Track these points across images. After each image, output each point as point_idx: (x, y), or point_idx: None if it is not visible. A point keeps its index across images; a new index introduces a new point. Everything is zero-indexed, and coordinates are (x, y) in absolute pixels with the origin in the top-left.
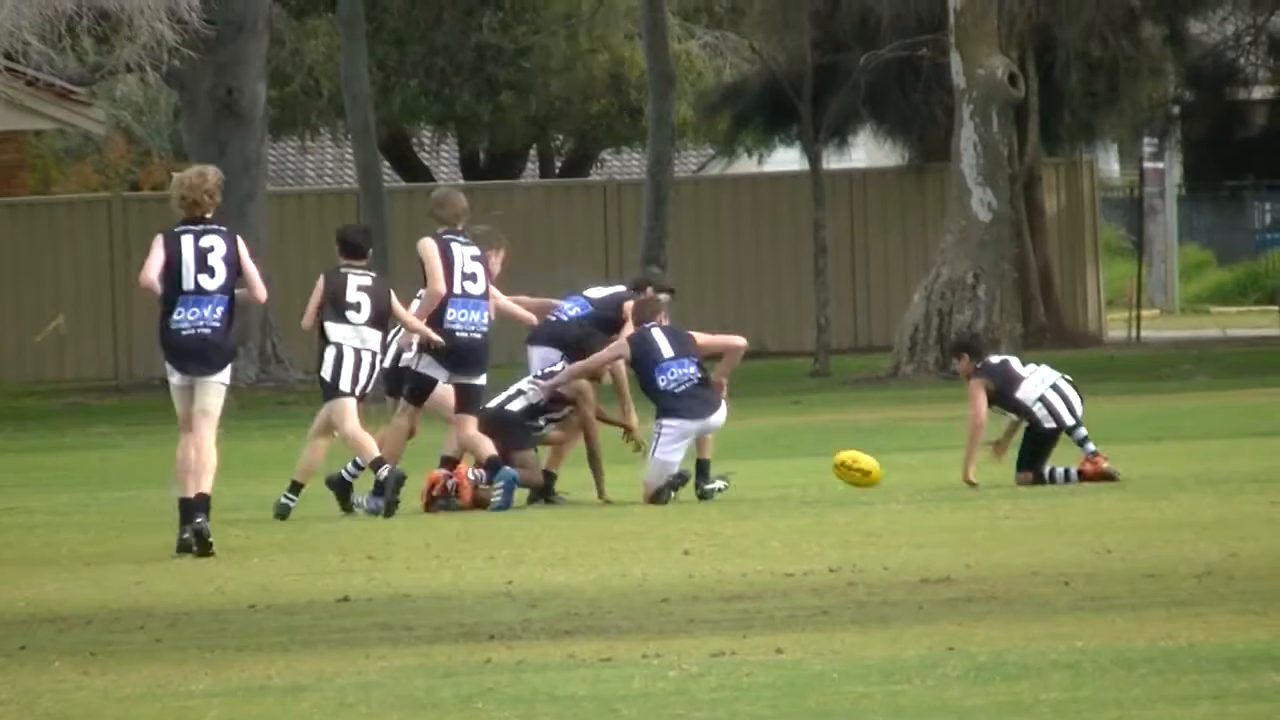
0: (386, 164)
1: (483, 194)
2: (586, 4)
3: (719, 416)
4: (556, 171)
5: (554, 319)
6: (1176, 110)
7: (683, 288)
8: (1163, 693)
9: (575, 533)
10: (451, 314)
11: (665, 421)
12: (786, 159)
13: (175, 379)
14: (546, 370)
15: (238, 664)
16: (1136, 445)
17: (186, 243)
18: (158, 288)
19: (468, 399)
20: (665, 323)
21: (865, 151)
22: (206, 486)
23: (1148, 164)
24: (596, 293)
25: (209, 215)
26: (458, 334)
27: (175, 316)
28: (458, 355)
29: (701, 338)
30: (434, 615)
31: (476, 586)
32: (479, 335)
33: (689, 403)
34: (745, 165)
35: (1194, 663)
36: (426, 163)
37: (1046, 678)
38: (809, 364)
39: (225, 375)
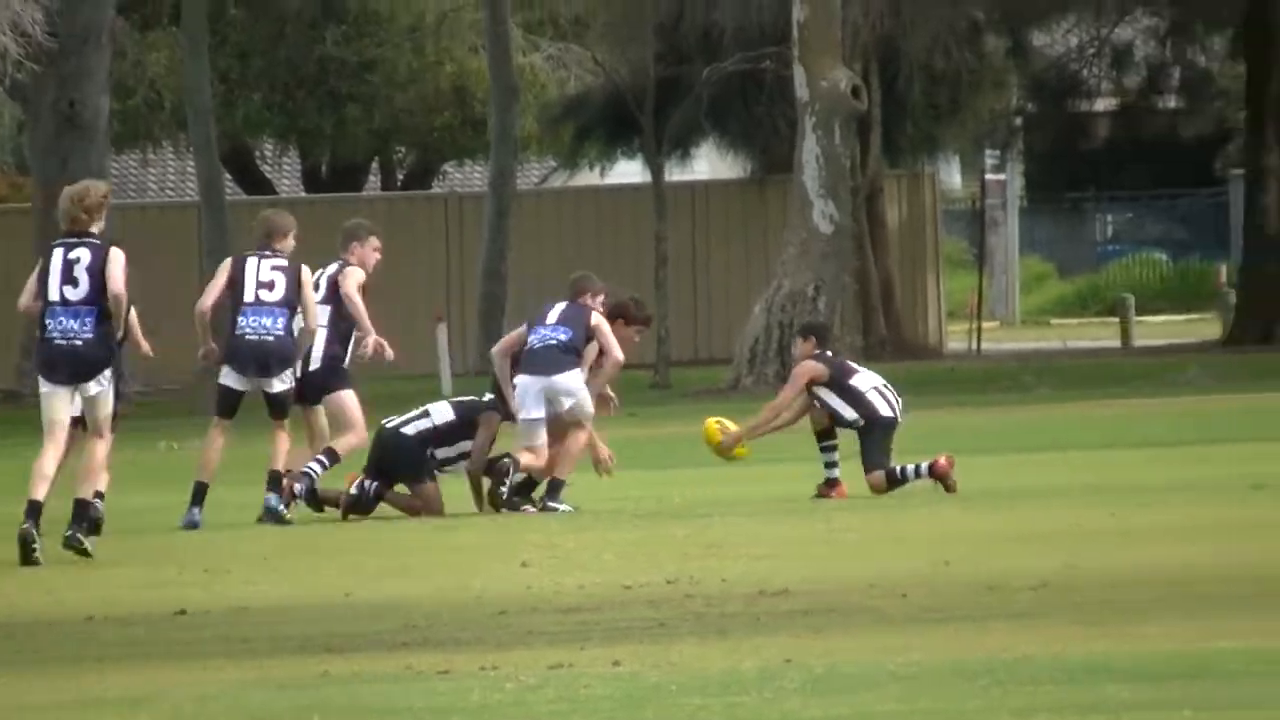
0: (229, 176)
1: (325, 207)
2: (431, 16)
3: (565, 379)
4: (399, 184)
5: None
6: (1019, 122)
7: (524, 300)
8: (1001, 704)
9: (414, 544)
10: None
11: (516, 379)
12: (629, 171)
13: (45, 388)
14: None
15: (74, 676)
16: (976, 457)
17: (56, 255)
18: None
19: (268, 405)
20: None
21: (707, 163)
22: (81, 492)
23: (989, 176)
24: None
25: (91, 230)
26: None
27: (47, 327)
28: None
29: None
30: (271, 627)
31: (314, 598)
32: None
33: (534, 360)
34: (587, 177)
35: (1031, 674)
36: (269, 175)
37: (884, 689)
38: (649, 376)
39: (99, 383)
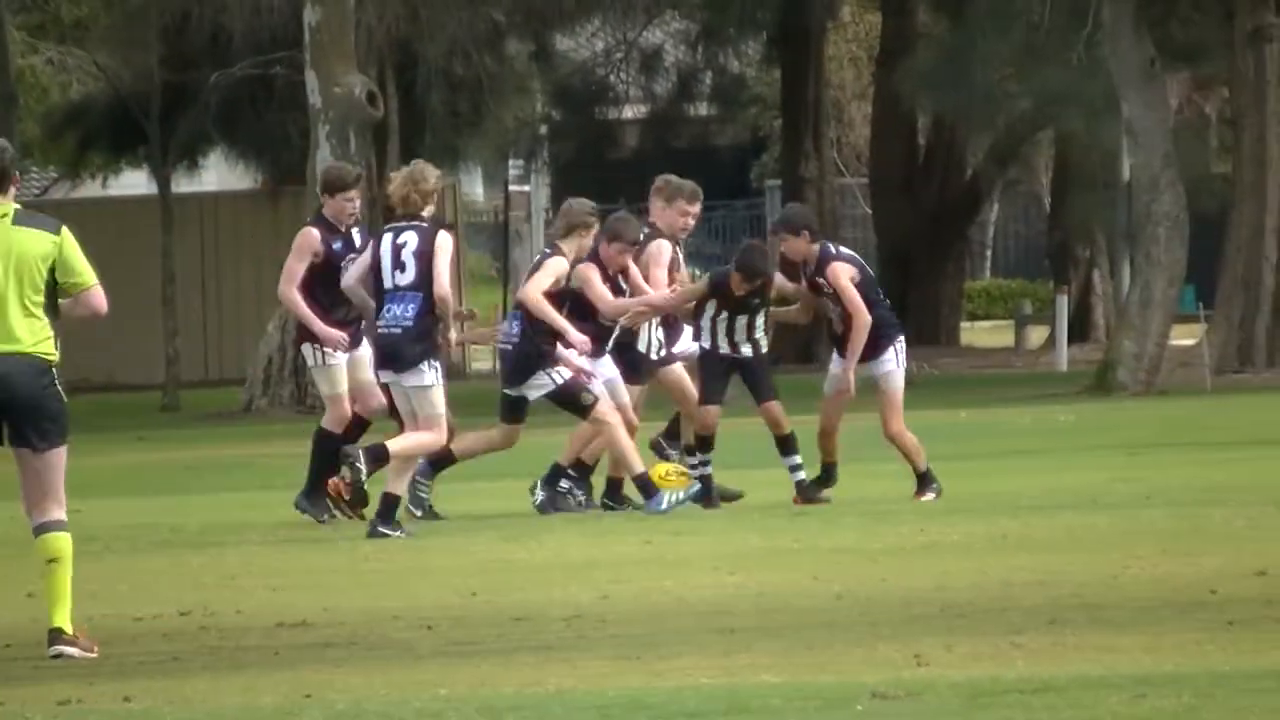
0: None
1: None
2: None
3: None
4: None
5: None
6: (544, 130)
7: None
8: None
9: None
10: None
11: None
12: (135, 182)
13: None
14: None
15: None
16: (503, 482)
17: (386, 239)
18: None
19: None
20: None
21: (217, 174)
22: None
23: (514, 187)
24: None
25: (419, 213)
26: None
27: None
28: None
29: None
30: None
31: None
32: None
33: None
34: (91, 189)
35: (564, 711)
36: None
37: None
38: (159, 398)
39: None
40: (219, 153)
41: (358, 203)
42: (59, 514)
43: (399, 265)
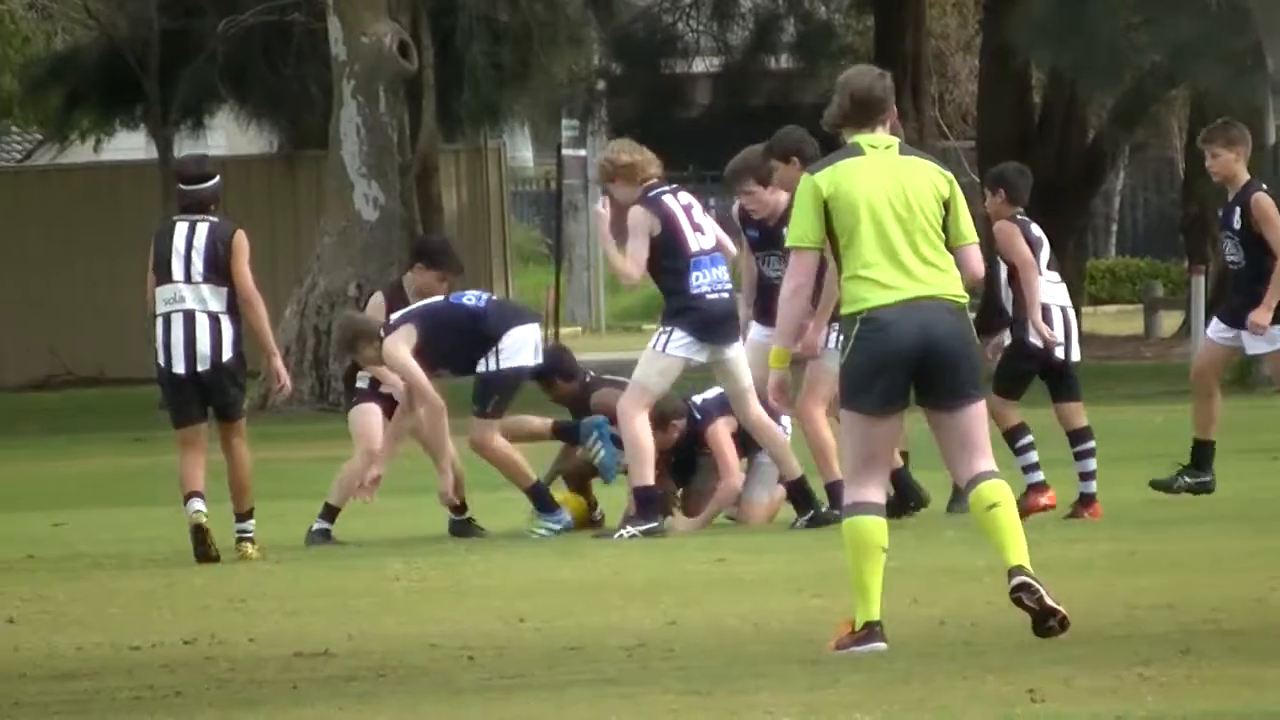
0: None
1: None
2: None
3: None
4: None
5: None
6: (601, 86)
7: (4, 300)
8: None
9: None
10: None
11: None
12: (131, 145)
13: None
14: None
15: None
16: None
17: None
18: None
19: None
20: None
21: (225, 136)
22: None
23: (568, 151)
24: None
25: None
26: None
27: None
28: None
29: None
30: None
31: None
32: None
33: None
34: (81, 152)
35: None
36: None
37: None
38: (157, 393)
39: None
40: (227, 112)
41: None
42: (985, 466)
43: None
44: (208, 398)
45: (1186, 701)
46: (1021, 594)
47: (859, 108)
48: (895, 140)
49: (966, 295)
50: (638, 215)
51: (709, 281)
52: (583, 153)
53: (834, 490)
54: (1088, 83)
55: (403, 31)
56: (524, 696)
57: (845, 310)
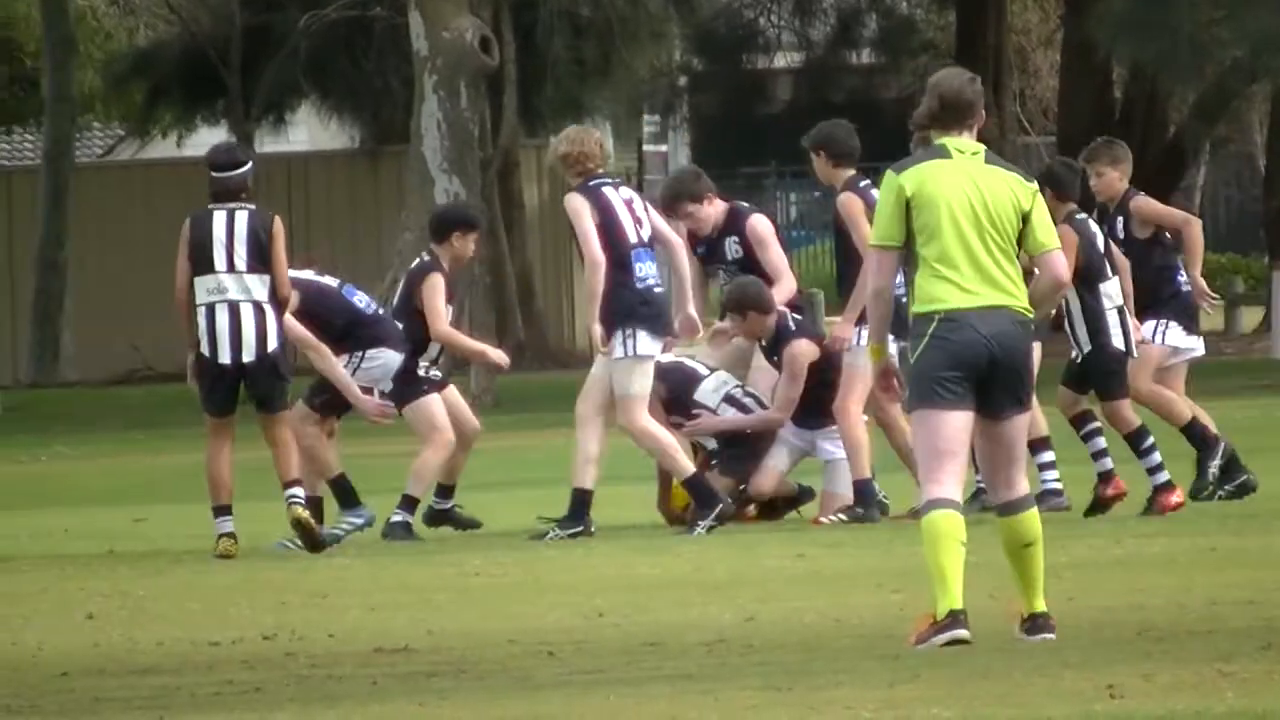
0: None
1: None
2: None
3: None
4: None
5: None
6: (683, 82)
7: (87, 295)
8: None
9: None
10: None
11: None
12: (212, 140)
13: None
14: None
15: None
16: (629, 486)
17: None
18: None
19: None
20: None
21: (307, 131)
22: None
23: (649, 147)
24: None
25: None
26: None
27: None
28: None
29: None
30: None
31: None
32: None
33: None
34: (163, 148)
35: None
36: None
37: None
38: None
39: None
40: (309, 107)
41: None
42: (1024, 488)
43: None
44: (251, 389)
45: (1268, 697)
46: (1047, 638)
47: (948, 110)
48: (982, 147)
49: (1032, 309)
50: (574, 202)
51: (652, 275)
52: (664, 148)
53: (861, 489)
54: (1169, 78)
55: (484, 26)
56: (603, 692)
57: (920, 308)
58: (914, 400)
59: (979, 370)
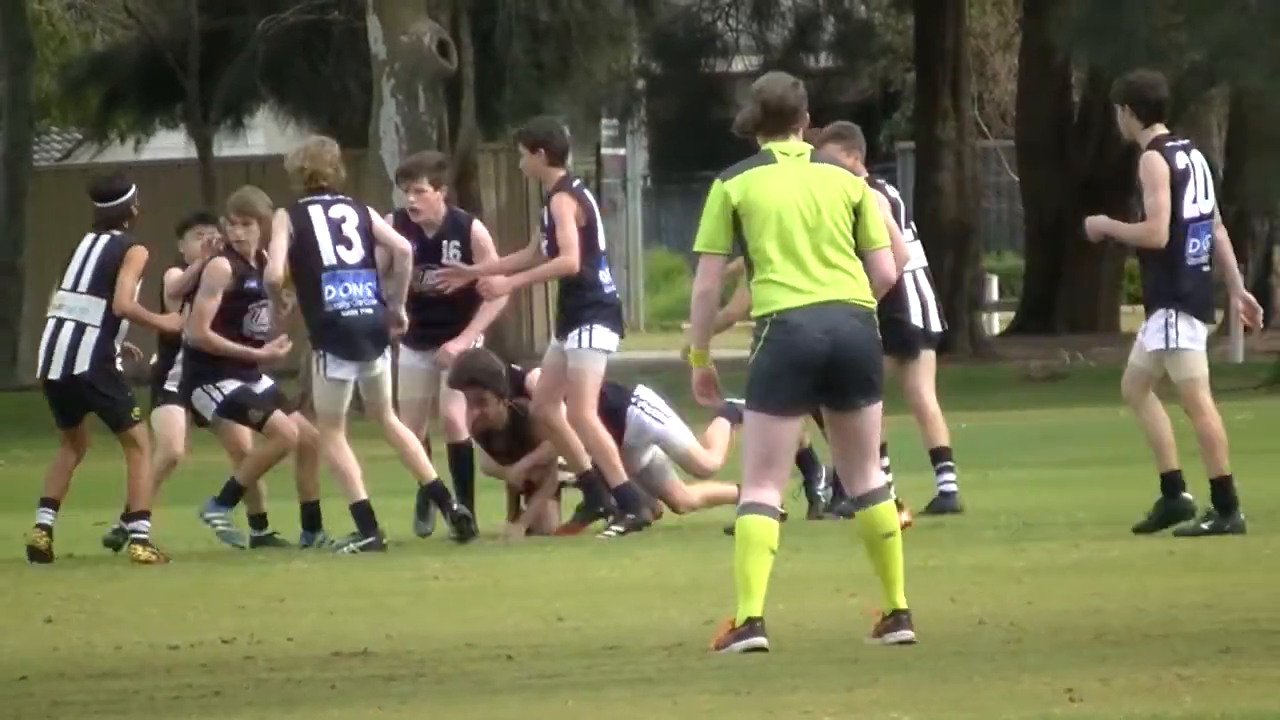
0: None
1: None
2: None
3: None
4: None
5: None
6: (641, 85)
7: (45, 299)
8: None
9: None
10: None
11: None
12: (171, 144)
13: (343, 372)
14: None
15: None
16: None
17: (316, 214)
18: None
19: None
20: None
21: (265, 135)
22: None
23: (607, 150)
24: None
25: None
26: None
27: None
28: None
29: None
30: None
31: None
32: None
33: None
34: (120, 152)
35: None
36: None
37: None
38: None
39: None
40: (267, 111)
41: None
42: (879, 479)
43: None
44: (82, 406)
45: (1225, 701)
46: (904, 637)
47: (772, 116)
48: (807, 148)
49: (874, 300)
50: (279, 219)
51: (347, 297)
52: (622, 152)
53: (621, 493)
54: None
55: (442, 30)
56: (562, 696)
57: (756, 312)
58: (749, 402)
59: (816, 368)
